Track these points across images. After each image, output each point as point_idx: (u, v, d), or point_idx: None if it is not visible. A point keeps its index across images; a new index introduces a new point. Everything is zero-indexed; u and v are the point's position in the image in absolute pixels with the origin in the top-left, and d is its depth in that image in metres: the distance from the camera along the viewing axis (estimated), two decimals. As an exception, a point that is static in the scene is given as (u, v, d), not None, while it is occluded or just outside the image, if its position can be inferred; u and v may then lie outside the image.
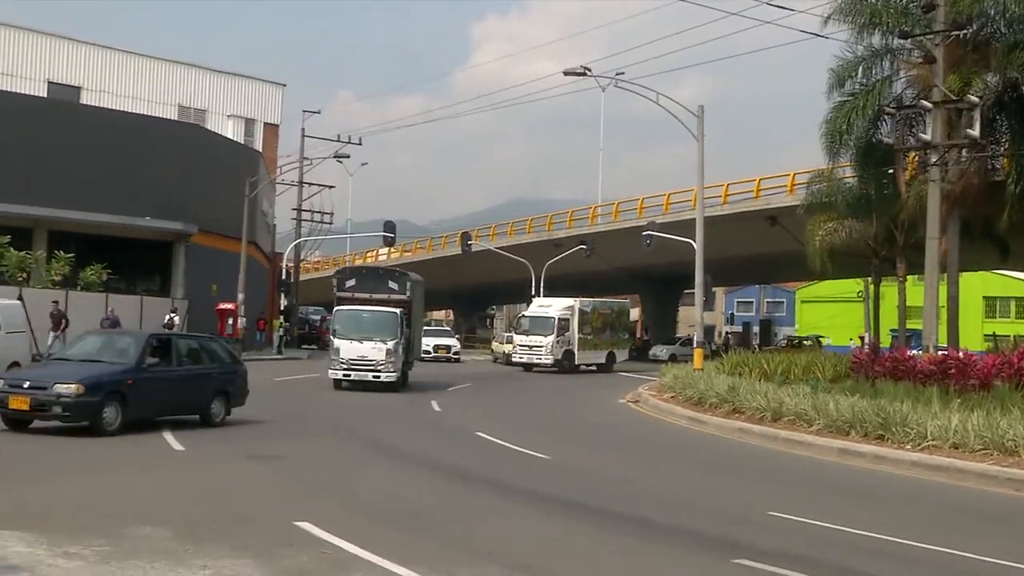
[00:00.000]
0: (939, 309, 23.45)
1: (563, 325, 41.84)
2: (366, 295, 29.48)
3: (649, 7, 60.00)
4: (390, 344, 27.11)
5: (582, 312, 42.98)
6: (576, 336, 42.35)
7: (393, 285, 29.98)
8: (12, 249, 32.02)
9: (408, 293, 29.89)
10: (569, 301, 43.27)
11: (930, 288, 22.95)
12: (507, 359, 45.46)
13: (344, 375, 27.19)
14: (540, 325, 41.94)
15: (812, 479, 14.74)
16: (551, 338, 41.29)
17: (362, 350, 27.04)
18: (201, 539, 8.68)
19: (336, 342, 27.48)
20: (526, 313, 44.24)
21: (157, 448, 14.59)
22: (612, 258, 53.42)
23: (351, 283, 30.04)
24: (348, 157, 50.68)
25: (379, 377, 26.94)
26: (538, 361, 41.53)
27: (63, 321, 30.82)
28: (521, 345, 42.34)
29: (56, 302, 31.23)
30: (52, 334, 30.42)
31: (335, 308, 29.12)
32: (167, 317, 38.85)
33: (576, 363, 42.39)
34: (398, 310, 28.09)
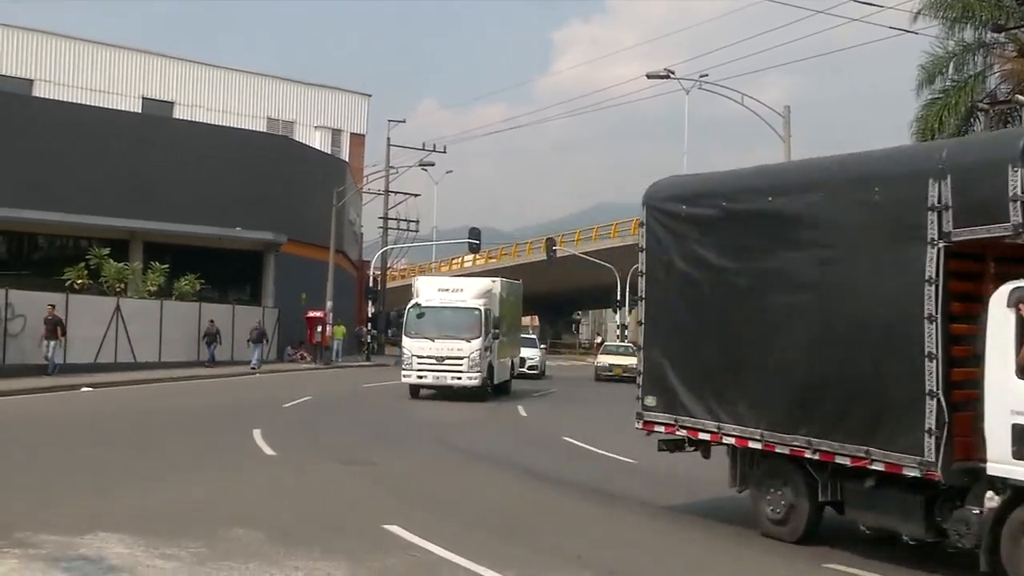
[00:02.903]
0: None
1: (492, 322, 26.23)
2: None
3: (733, 7, 59.64)
4: None
5: (502, 300, 28.19)
6: (495, 341, 26.84)
7: None
8: (111, 261, 32.99)
9: None
10: (485, 283, 27.95)
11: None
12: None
13: None
14: (456, 321, 25.66)
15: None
16: (477, 343, 25.33)
17: None
18: (293, 542, 8.84)
19: None
20: (424, 302, 26.43)
21: (249, 453, 14.88)
22: (698, 261, 52.85)
23: None
24: (433, 165, 51.15)
25: None
26: (455, 382, 25.30)
27: (58, 328, 27.59)
28: (423, 357, 25.28)
29: (52, 306, 27.83)
30: (46, 343, 27.44)
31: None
32: None
33: (495, 381, 27.20)
34: None
